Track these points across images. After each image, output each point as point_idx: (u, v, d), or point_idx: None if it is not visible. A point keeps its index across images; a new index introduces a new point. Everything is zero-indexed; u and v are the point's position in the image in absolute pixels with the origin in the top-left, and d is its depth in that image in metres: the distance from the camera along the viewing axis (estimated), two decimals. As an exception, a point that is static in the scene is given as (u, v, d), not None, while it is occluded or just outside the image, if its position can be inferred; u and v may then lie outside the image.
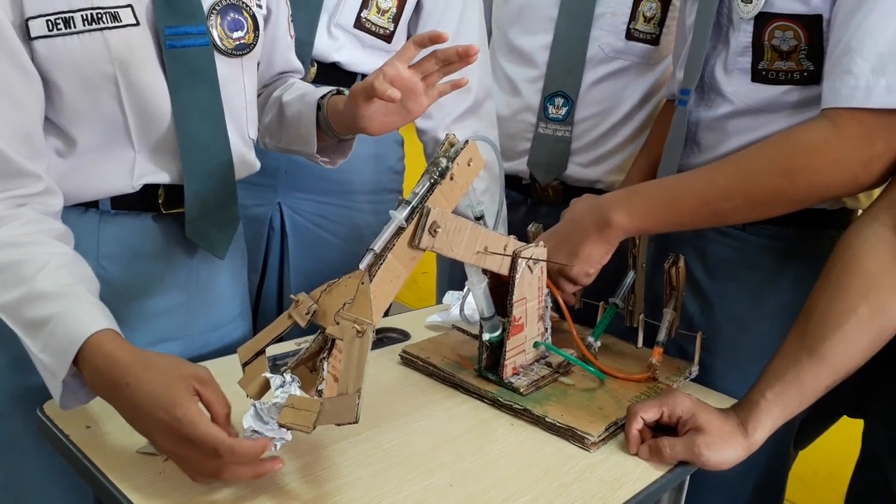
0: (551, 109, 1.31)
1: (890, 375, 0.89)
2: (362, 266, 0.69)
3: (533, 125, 1.33)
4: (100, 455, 0.68)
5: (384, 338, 1.04)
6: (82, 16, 0.76)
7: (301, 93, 0.97)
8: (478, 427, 0.81)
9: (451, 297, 1.13)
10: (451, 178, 0.72)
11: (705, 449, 0.76)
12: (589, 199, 0.98)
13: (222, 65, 0.86)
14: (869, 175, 0.81)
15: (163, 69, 0.82)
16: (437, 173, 0.72)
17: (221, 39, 0.85)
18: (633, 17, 1.26)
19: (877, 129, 0.80)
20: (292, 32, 1.04)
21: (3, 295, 0.69)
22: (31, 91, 0.76)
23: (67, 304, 0.67)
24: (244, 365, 0.68)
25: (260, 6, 0.91)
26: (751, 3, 0.91)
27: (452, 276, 1.45)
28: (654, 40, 1.27)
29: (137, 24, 0.79)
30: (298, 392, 0.65)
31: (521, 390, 0.85)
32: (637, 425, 0.80)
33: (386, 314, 1.14)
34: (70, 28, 0.76)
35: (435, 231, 0.73)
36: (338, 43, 1.15)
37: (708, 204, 0.87)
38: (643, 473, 0.76)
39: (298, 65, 1.05)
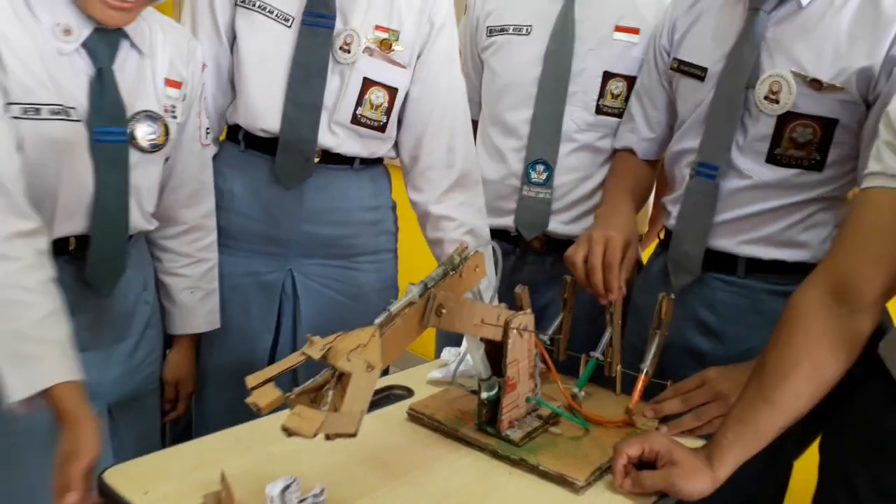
0: (533, 175, 1.45)
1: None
2: (377, 322, 0.81)
3: (518, 188, 1.47)
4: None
5: (390, 395, 1.16)
6: (48, 109, 1.02)
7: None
8: (481, 478, 0.93)
9: (448, 353, 1.25)
10: (460, 275, 0.86)
11: (678, 479, 0.89)
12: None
13: (137, 157, 1.11)
14: None
15: (91, 156, 1.06)
16: (451, 267, 0.85)
17: (139, 140, 1.11)
18: (601, 95, 1.42)
19: None
20: (205, 141, 1.25)
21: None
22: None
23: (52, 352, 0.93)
24: (252, 389, 0.76)
25: (174, 116, 1.16)
26: (777, 103, 1.11)
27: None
28: (621, 114, 1.41)
29: (79, 120, 1.05)
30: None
31: (517, 442, 0.97)
32: (622, 461, 0.92)
33: (385, 374, 1.27)
34: (38, 115, 1.02)
35: (440, 312, 0.85)
36: (338, 139, 1.30)
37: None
38: (626, 512, 0.88)
39: (207, 182, 1.28)
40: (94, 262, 1.10)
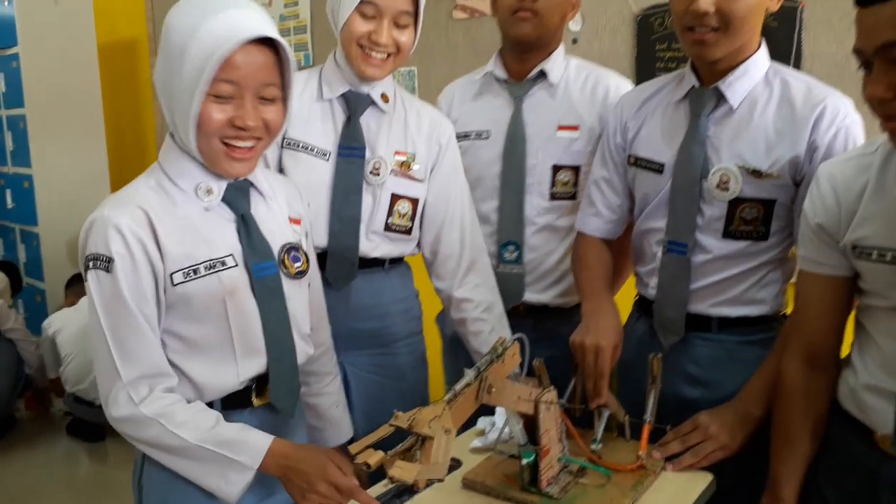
0: (506, 254, 1.71)
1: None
2: (445, 399, 1.03)
3: (494, 266, 1.71)
4: None
5: (443, 466, 1.38)
6: (204, 265, 1.16)
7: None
8: (532, 529, 1.16)
9: (483, 421, 1.47)
10: (503, 362, 1.11)
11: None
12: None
13: (289, 285, 1.26)
14: None
15: (252, 292, 1.20)
16: (496, 355, 1.10)
17: (288, 268, 1.25)
18: (553, 184, 1.68)
19: None
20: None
21: (200, 429, 1.12)
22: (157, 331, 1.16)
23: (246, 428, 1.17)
24: (355, 455, 0.98)
25: (307, 254, 1.32)
26: (727, 191, 1.36)
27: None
28: (573, 196, 1.68)
29: (236, 265, 1.19)
30: None
31: (556, 496, 1.21)
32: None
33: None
34: (197, 275, 1.16)
35: (490, 390, 1.09)
36: (373, 244, 1.56)
37: None
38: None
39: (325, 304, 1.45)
40: (276, 385, 1.23)
